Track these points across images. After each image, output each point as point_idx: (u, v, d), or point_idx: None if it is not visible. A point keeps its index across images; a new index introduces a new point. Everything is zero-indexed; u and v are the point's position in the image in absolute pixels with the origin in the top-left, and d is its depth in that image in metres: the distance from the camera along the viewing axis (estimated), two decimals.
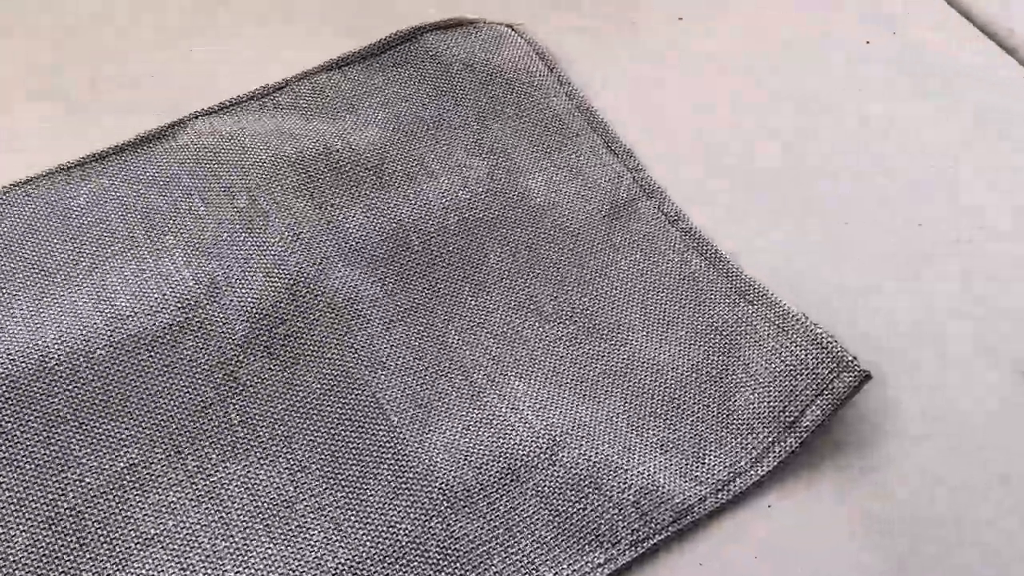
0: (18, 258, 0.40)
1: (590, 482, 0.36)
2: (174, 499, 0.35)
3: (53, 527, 0.34)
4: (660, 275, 0.43)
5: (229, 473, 0.36)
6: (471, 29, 0.51)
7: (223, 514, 0.35)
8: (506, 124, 0.47)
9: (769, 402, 0.38)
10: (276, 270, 0.40)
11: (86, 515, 0.34)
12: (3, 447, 0.35)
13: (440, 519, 0.35)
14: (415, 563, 0.34)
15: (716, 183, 0.47)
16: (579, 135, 0.48)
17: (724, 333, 0.41)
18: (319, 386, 0.38)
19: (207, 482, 0.35)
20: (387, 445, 0.37)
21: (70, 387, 0.36)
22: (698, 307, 0.42)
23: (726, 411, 0.38)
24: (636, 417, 0.38)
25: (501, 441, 0.37)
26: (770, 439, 0.37)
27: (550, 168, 0.46)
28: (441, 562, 0.34)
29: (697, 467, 0.37)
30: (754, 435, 0.38)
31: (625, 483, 0.36)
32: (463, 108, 0.48)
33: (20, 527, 0.33)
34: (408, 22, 0.51)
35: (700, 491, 0.36)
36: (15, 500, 0.34)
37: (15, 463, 0.35)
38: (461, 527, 0.35)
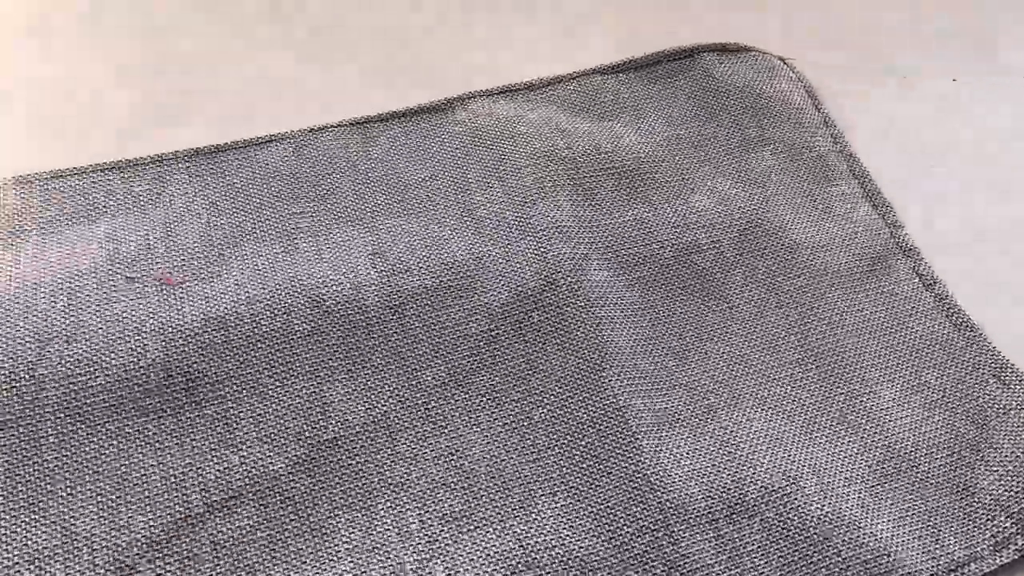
0: (307, 198, 0.43)
1: (821, 533, 0.36)
2: (419, 454, 0.36)
3: (312, 455, 0.36)
4: (909, 338, 0.42)
5: (472, 440, 0.37)
6: (746, 56, 0.51)
7: (463, 478, 0.36)
8: (770, 156, 0.47)
9: (1018, 492, 0.37)
10: (538, 257, 0.42)
11: (342, 451, 0.36)
12: (275, 375, 0.37)
13: (667, 534, 0.35)
14: (638, 571, 0.34)
15: (975, 251, 0.46)
16: (840, 180, 0.47)
17: (973, 411, 0.39)
18: (562, 376, 0.39)
19: (451, 444, 0.37)
20: (623, 449, 0.37)
21: (340, 329, 0.39)
22: (947, 378, 0.40)
23: (969, 490, 0.37)
24: (874, 477, 0.37)
25: (736, 470, 0.37)
26: (1014, 530, 0.36)
27: (807, 208, 0.46)
28: None
29: (933, 542, 0.36)
30: (996, 523, 0.36)
31: (858, 542, 0.35)
32: (730, 132, 0.48)
33: (282, 451, 0.36)
34: (679, 41, 0.52)
35: (933, 567, 0.35)
36: (280, 426, 0.36)
37: (284, 391, 0.37)
38: (688, 547, 0.35)
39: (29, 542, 0.33)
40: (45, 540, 0.33)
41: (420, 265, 0.41)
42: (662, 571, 0.34)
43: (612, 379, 0.39)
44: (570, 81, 0.49)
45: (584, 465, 0.37)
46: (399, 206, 0.43)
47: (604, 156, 0.46)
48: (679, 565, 0.35)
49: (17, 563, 0.32)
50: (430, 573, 0.34)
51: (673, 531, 0.35)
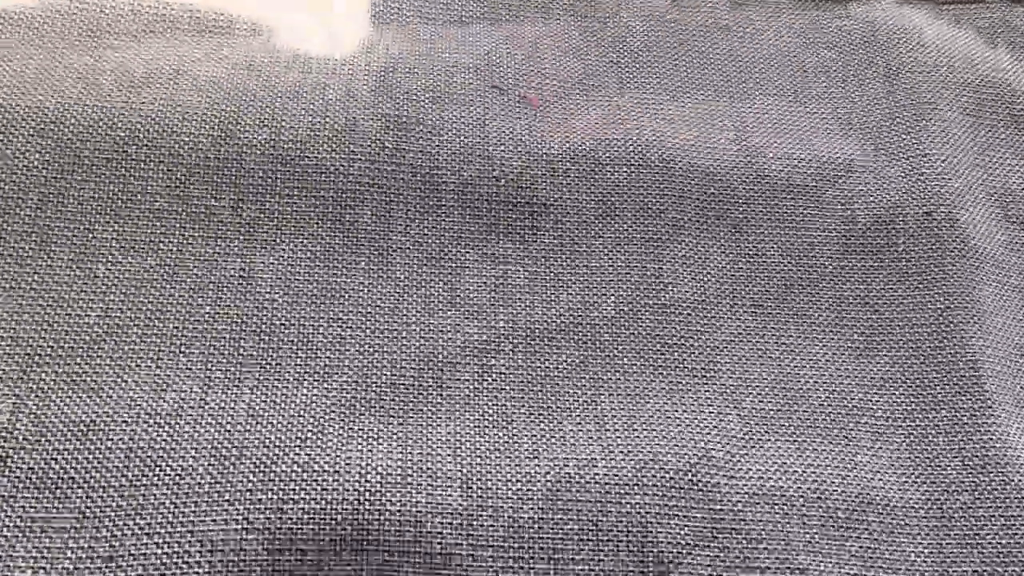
0: (677, 55, 0.40)
1: None
2: (749, 351, 0.34)
3: (639, 313, 0.34)
4: None
5: (805, 352, 0.34)
6: None
7: (789, 386, 0.33)
8: None
9: None
10: (918, 180, 0.37)
11: (670, 318, 0.34)
12: (618, 224, 0.36)
13: (1005, 517, 0.31)
14: (964, 547, 0.31)
15: None
16: None
17: None
18: (920, 318, 0.35)
19: (782, 350, 0.34)
20: (972, 415, 0.33)
21: (689, 198, 0.36)
22: None
23: None
24: None
25: None
26: None
27: None
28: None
29: None
30: None
31: None
32: None
33: (611, 300, 0.34)
34: None
35: None
36: (614, 275, 0.35)
37: (625, 242, 0.35)
38: None
39: (354, 319, 0.33)
40: (369, 323, 0.33)
41: (785, 156, 0.38)
42: (993, 552, 0.31)
43: (975, 340, 0.34)
44: (990, 5, 0.43)
45: (923, 417, 0.33)
46: (771, 87, 0.40)
47: (1014, 97, 0.40)
48: (1013, 553, 0.31)
49: (336, 334, 0.33)
50: (739, 469, 0.32)
51: (1012, 515, 0.31)
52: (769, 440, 0.32)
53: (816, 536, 0.31)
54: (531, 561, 0.29)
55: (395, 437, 0.31)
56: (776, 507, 0.31)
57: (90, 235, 0.33)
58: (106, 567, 0.28)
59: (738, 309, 0.35)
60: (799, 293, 0.35)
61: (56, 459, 0.29)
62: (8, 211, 0.33)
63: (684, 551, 0.30)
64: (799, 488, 0.31)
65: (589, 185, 0.36)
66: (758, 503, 0.31)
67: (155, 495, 0.29)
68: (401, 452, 0.30)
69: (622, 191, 0.36)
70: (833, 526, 0.31)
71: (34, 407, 0.30)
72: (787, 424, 0.33)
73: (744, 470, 0.31)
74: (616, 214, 0.36)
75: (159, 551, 0.28)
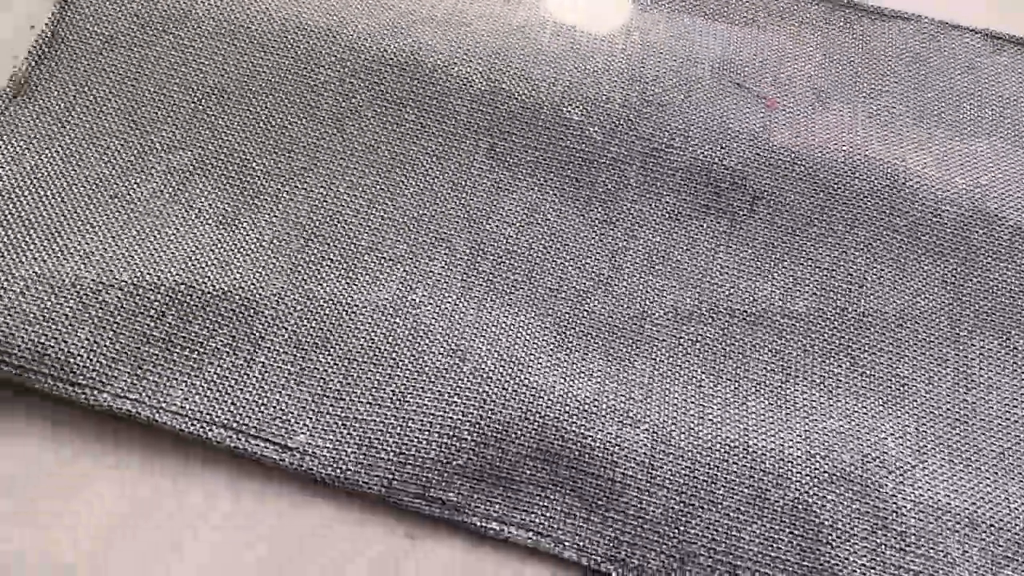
0: (904, 87, 0.42)
1: None
2: (931, 372, 0.35)
3: (832, 315, 0.36)
4: None
5: (989, 389, 0.35)
6: None
7: (970, 419, 0.34)
8: None
9: None
10: None
11: (863, 329, 0.36)
12: (829, 229, 0.38)
13: None
14: None
15: None
16: None
17: None
18: None
19: (965, 378, 0.35)
20: None
21: (901, 221, 0.38)
22: None
23: None
24: None
25: None
26: None
27: None
28: None
29: None
30: None
31: None
32: None
33: (808, 298, 0.36)
34: None
35: None
36: (812, 278, 0.37)
37: (830, 248, 0.37)
38: None
39: (576, 263, 0.37)
40: (589, 270, 0.37)
41: (1010, 197, 0.38)
42: None
43: None
44: None
45: None
46: (1006, 131, 0.40)
47: None
48: None
49: (558, 274, 0.36)
50: (908, 476, 0.33)
51: None
52: (942, 457, 0.34)
53: (974, 556, 0.32)
54: (699, 510, 0.32)
55: (595, 373, 0.34)
56: (939, 520, 0.32)
57: (365, 151, 0.38)
58: (339, 426, 0.33)
59: (932, 330, 0.36)
60: (995, 327, 0.36)
61: (313, 327, 0.34)
62: (304, 124, 0.38)
63: (844, 538, 0.32)
64: (965, 509, 0.33)
65: (807, 187, 0.38)
66: (922, 512, 0.32)
67: (394, 374, 0.34)
68: (598, 387, 0.34)
69: (838, 198, 0.38)
70: (991, 552, 0.32)
71: (303, 282, 0.35)
72: (961, 447, 0.34)
73: (913, 479, 0.33)
74: (829, 218, 0.38)
75: (393, 419, 0.33)
